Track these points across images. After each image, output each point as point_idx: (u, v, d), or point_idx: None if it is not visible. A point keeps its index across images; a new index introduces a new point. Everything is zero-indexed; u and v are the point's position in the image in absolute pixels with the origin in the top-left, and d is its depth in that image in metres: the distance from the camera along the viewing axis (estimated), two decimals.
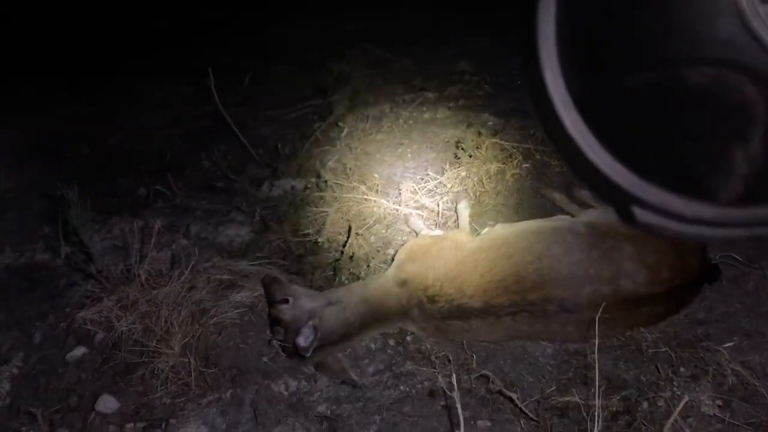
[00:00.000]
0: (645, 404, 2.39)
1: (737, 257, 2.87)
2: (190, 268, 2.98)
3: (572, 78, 1.28)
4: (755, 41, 1.09)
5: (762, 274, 2.83)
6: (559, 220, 2.87)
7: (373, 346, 2.81)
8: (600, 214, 2.83)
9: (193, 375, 2.65)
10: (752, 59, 1.13)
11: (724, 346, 2.55)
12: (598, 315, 2.31)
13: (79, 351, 2.89)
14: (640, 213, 1.34)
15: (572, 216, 3.01)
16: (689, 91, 1.24)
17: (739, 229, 1.29)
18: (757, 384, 2.40)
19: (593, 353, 2.29)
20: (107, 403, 2.62)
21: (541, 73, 1.28)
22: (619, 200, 1.35)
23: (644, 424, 2.31)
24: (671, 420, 2.14)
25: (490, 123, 4.07)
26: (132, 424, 2.56)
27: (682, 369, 2.51)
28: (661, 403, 2.38)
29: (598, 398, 2.14)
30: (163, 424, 2.52)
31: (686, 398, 2.26)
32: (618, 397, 2.41)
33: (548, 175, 3.58)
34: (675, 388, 2.42)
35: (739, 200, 1.27)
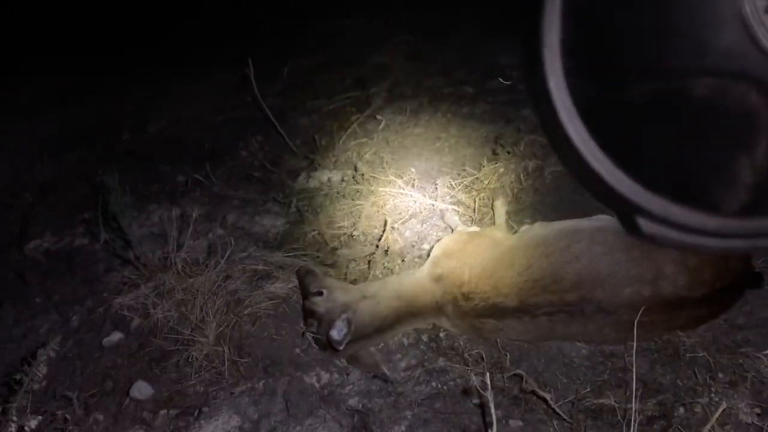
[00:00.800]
0: (681, 409, 2.35)
1: None
2: (226, 257, 3.00)
3: (576, 87, 1.27)
4: (759, 51, 1.06)
5: None
6: (599, 220, 2.83)
7: (405, 341, 2.81)
8: None
9: (226, 364, 2.67)
10: (756, 69, 1.11)
11: (764, 352, 2.49)
12: (638, 318, 2.27)
13: (116, 336, 2.93)
14: (644, 223, 1.33)
15: (613, 215, 2.96)
16: (693, 101, 1.22)
17: (741, 240, 1.26)
18: None
19: (630, 356, 2.26)
20: (142, 389, 2.65)
21: (544, 82, 1.27)
22: (623, 210, 1.33)
23: (680, 430, 2.27)
24: (708, 427, 2.10)
25: (529, 119, 4.02)
26: (165, 411, 2.58)
27: (720, 375, 2.46)
28: (698, 408, 2.34)
29: (635, 401, 2.11)
30: (196, 412, 2.54)
31: (724, 405, 2.21)
32: (654, 402, 2.37)
33: None
34: (712, 394, 2.38)
35: (743, 211, 1.25)
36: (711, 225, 1.26)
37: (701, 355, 2.52)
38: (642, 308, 2.35)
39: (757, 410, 2.31)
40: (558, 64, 1.27)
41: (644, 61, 1.22)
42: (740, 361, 2.48)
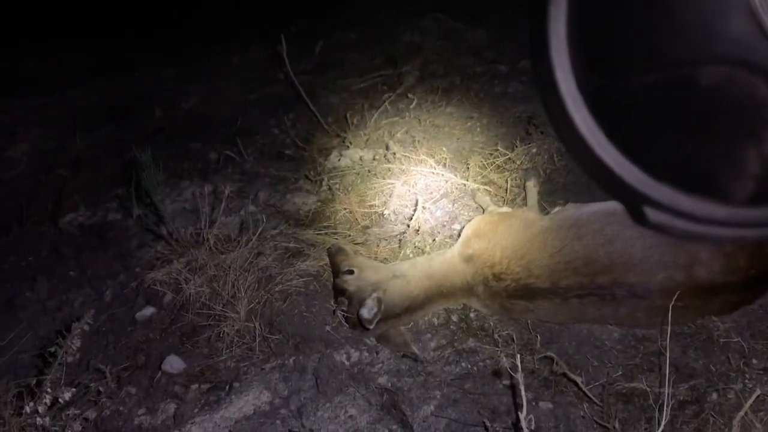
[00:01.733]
0: (714, 395, 2.32)
1: None
2: (257, 234, 3.02)
3: (583, 76, 1.24)
4: (767, 41, 1.03)
5: None
6: None
7: (435, 321, 2.81)
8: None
9: (257, 340, 2.69)
10: (765, 58, 1.08)
11: None
12: (672, 303, 2.25)
13: (148, 311, 2.97)
14: (651, 213, 1.30)
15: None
16: (701, 91, 1.20)
17: (750, 229, 1.24)
18: None
19: (663, 340, 2.24)
20: (174, 364, 2.69)
21: (551, 71, 1.25)
22: (630, 200, 1.31)
23: (713, 416, 2.24)
24: (741, 413, 2.08)
25: None
26: (197, 386, 2.61)
27: (754, 361, 2.42)
28: (731, 395, 2.31)
29: (668, 386, 2.09)
30: (227, 387, 2.57)
31: (758, 392, 2.18)
32: (686, 386, 2.35)
33: None
34: (746, 381, 2.35)
35: (751, 200, 1.23)
36: (719, 214, 1.24)
37: (735, 340, 2.49)
38: (676, 293, 2.32)
39: None
40: (565, 52, 1.25)
41: (652, 50, 1.20)
42: None
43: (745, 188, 1.24)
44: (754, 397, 2.09)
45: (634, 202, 1.32)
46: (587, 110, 1.26)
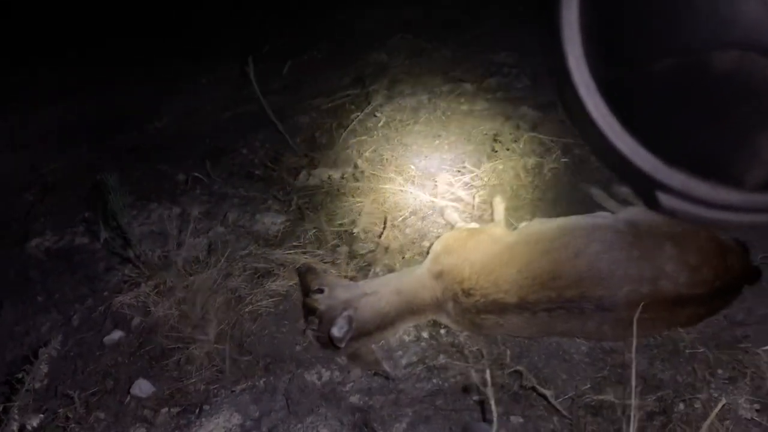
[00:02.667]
0: (681, 405, 2.36)
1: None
2: (226, 255, 3.01)
3: (596, 64, 1.27)
4: None
5: None
6: (599, 217, 2.84)
7: (406, 338, 2.81)
8: (641, 212, 2.79)
9: (227, 362, 2.68)
10: None
11: (763, 348, 2.49)
12: (636, 315, 2.28)
13: (116, 335, 2.94)
14: (664, 198, 1.33)
15: (612, 213, 2.96)
16: (714, 76, 1.23)
17: (764, 214, 1.27)
18: None
19: (630, 352, 2.27)
20: (143, 387, 2.66)
21: (564, 59, 1.27)
22: (644, 185, 1.33)
23: (680, 426, 2.28)
24: (708, 422, 2.10)
25: (528, 116, 4.02)
26: (166, 409, 2.59)
27: (719, 371, 2.46)
28: (697, 404, 2.35)
29: (635, 398, 2.11)
30: (197, 410, 2.55)
31: (723, 401, 2.22)
32: (654, 398, 2.38)
33: (587, 170, 3.53)
34: (712, 390, 2.39)
35: (765, 185, 1.25)
36: (733, 199, 1.27)
37: (701, 351, 2.53)
38: (641, 306, 2.35)
39: (757, 406, 2.32)
40: (578, 40, 1.27)
41: (666, 36, 1.22)
42: (740, 357, 2.49)
43: (760, 174, 1.27)
44: (720, 406, 2.12)
45: (648, 188, 1.34)
46: (600, 97, 1.28)
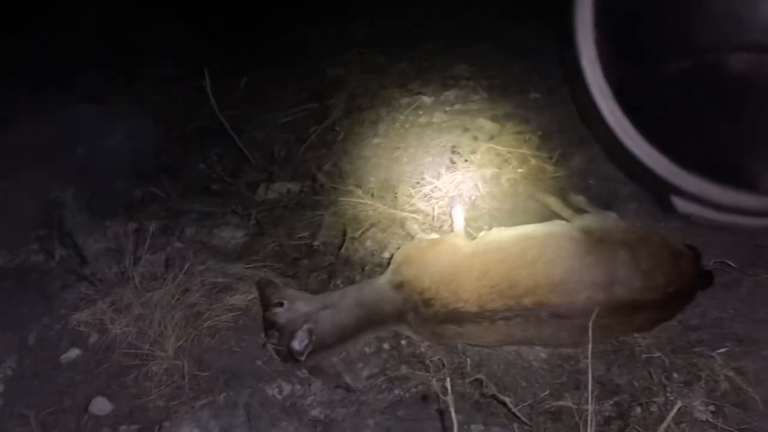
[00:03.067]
0: (638, 409, 2.39)
1: (730, 263, 2.86)
2: (184, 270, 2.98)
3: (610, 65, 1.28)
4: None
5: (755, 281, 2.83)
6: (555, 225, 2.88)
7: (367, 349, 2.82)
8: (595, 220, 2.84)
9: (186, 378, 2.65)
10: None
11: (717, 351, 2.55)
12: (591, 321, 2.31)
13: (73, 353, 2.89)
14: (679, 203, 1.34)
15: (567, 221, 3.01)
16: (729, 78, 1.24)
17: None
18: (749, 390, 2.40)
19: (586, 358, 2.30)
20: (101, 406, 2.62)
21: (578, 60, 1.28)
22: (658, 190, 1.33)
23: (637, 429, 2.31)
24: (664, 425, 2.14)
25: (485, 128, 4.06)
26: (125, 427, 2.55)
27: (675, 374, 2.51)
28: (654, 408, 2.38)
29: (591, 403, 2.14)
30: (157, 427, 2.52)
31: (679, 404, 2.25)
32: (611, 402, 2.42)
33: (543, 180, 3.59)
34: (668, 394, 2.42)
35: None
36: (748, 203, 1.28)
37: (657, 355, 2.57)
38: (596, 312, 2.38)
39: (712, 408, 2.37)
40: (591, 41, 1.28)
41: (681, 37, 1.24)
42: (694, 360, 2.54)
43: None
44: (675, 409, 2.15)
45: (663, 192, 1.34)
46: (613, 99, 1.29)
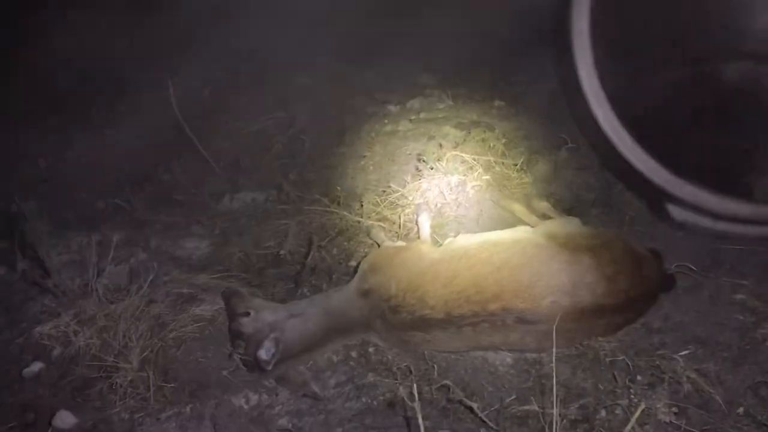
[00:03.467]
0: (603, 412, 2.42)
1: (692, 267, 2.91)
2: (148, 282, 2.95)
3: (606, 74, 1.29)
4: None
5: (716, 284, 2.89)
6: (520, 231, 2.90)
7: (335, 358, 2.81)
8: (559, 225, 2.88)
9: (152, 390, 2.62)
10: None
11: (679, 354, 2.59)
12: (555, 325, 2.34)
13: (36, 366, 2.84)
14: (675, 211, 1.35)
15: (532, 227, 3.03)
16: (725, 87, 1.25)
17: None
18: (711, 391, 2.44)
19: (552, 362, 2.32)
20: (65, 419, 2.58)
21: (574, 68, 1.29)
22: (654, 197, 1.34)
23: None
24: (628, 427, 2.16)
25: (450, 136, 4.09)
26: None
27: (639, 377, 2.54)
28: (618, 411, 2.42)
29: (556, 407, 2.16)
30: None
31: (643, 406, 2.28)
32: (576, 406, 2.44)
33: (508, 187, 3.62)
34: (632, 396, 2.46)
35: None
36: (743, 212, 1.29)
37: (620, 359, 2.61)
38: (561, 316, 2.41)
39: (675, 409, 2.41)
40: (588, 51, 1.29)
41: (676, 47, 1.25)
42: (657, 363, 2.58)
43: None
44: (639, 411, 2.17)
45: (658, 200, 1.35)
46: (610, 108, 1.30)
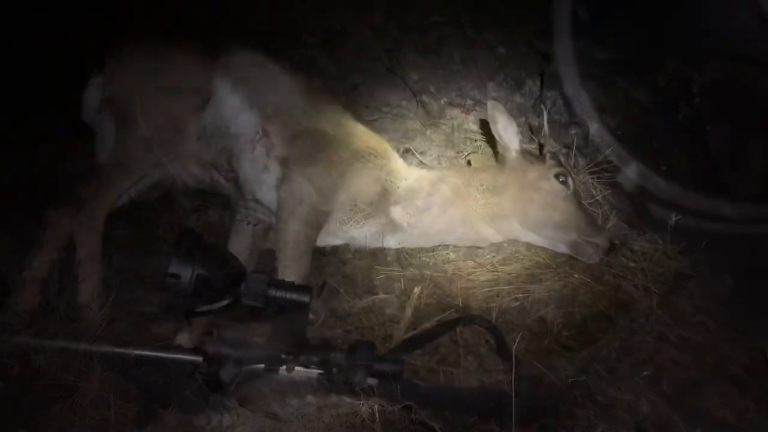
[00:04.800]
0: None
1: (655, 290, 2.95)
2: (111, 300, 2.93)
3: (588, 77, 1.30)
4: None
5: (672, 306, 2.93)
6: None
7: (297, 378, 2.80)
8: None
9: (112, 410, 2.59)
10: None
11: (638, 375, 2.63)
12: (515, 345, 2.37)
13: None
14: (657, 210, 1.35)
15: None
16: (705, 86, 1.28)
17: (757, 226, 1.31)
18: (670, 411, 2.48)
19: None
20: None
21: (558, 71, 1.30)
22: (637, 198, 1.35)
23: None
24: None
25: (417, 149, 4.12)
26: None
27: (599, 397, 2.57)
28: (578, 431, 2.44)
29: (515, 427, 2.18)
30: None
31: (602, 426, 2.32)
32: (537, 426, 2.46)
33: None
34: (591, 416, 2.49)
35: (759, 197, 1.31)
36: (725, 211, 1.31)
37: (581, 379, 2.64)
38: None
39: (633, 431, 2.45)
40: (570, 53, 1.31)
41: (657, 47, 1.28)
42: (617, 384, 2.63)
43: (752, 185, 1.32)
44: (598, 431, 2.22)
45: (641, 200, 1.36)
46: (593, 107, 1.31)
